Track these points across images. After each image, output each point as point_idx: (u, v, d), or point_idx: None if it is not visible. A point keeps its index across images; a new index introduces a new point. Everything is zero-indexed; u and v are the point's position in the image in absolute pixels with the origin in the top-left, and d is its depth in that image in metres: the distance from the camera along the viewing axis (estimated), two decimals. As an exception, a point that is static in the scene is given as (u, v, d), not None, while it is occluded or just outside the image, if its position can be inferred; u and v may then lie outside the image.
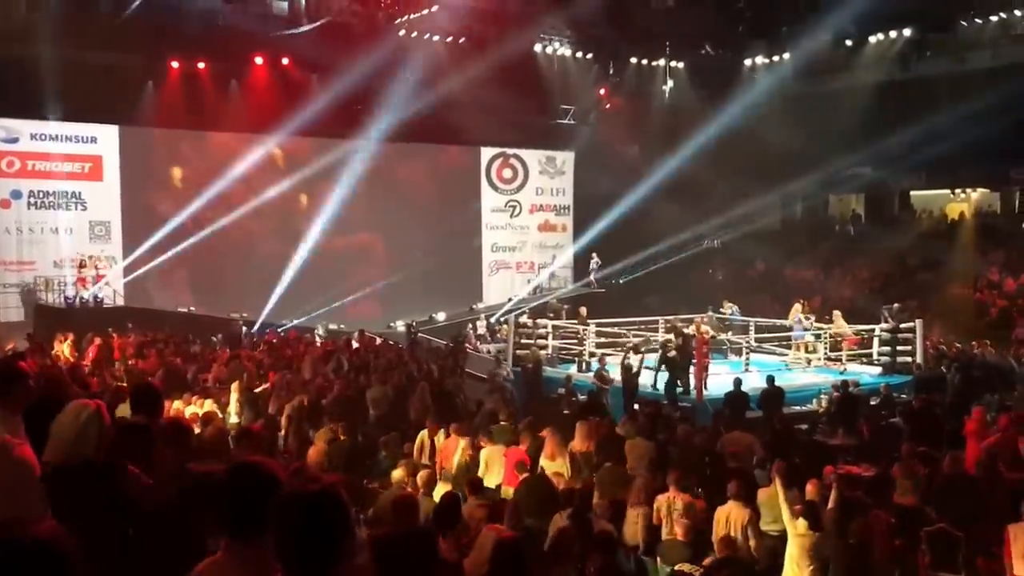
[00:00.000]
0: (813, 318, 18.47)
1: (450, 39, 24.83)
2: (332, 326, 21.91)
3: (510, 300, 25.69)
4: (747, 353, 17.63)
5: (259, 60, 23.84)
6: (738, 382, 13.25)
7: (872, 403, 13.37)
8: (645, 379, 14.71)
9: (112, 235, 23.09)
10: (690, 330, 15.88)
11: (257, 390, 12.96)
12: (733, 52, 28.68)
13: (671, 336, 15.80)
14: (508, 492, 8.04)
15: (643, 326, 18.52)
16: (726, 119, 25.76)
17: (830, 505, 7.37)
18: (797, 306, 18.47)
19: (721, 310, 20.18)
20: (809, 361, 17.84)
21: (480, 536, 5.56)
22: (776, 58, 28.42)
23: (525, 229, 29.04)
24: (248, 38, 22.49)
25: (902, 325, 16.96)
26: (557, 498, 7.02)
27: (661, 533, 7.45)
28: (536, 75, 27.17)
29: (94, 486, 3.06)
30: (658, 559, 7.30)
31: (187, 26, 21.48)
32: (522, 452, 8.94)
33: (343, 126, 23.28)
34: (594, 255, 26.38)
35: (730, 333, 19.11)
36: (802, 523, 6.82)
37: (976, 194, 27.97)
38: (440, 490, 7.53)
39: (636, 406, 12.48)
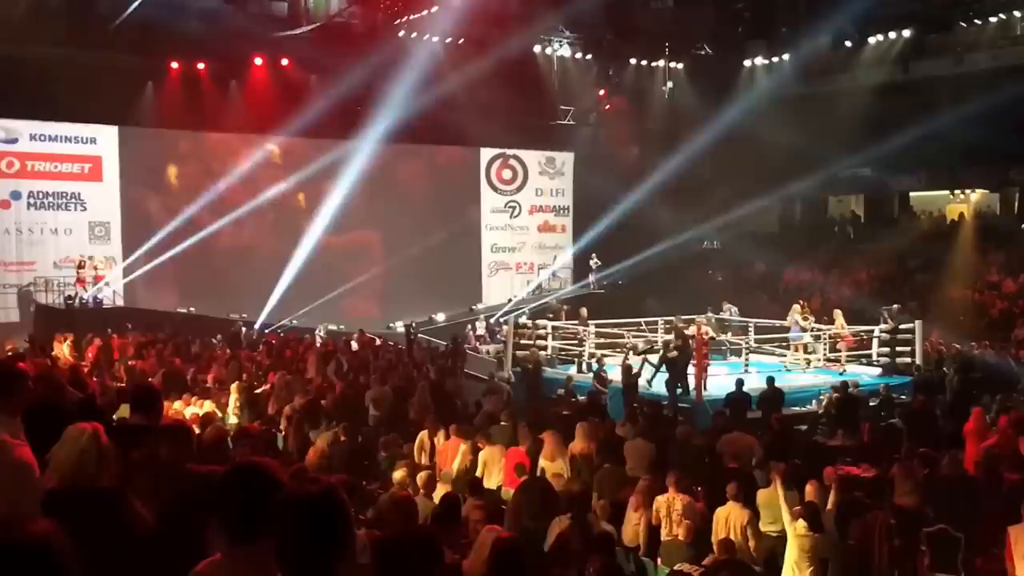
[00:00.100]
0: (812, 319, 18.45)
1: (449, 40, 24.82)
2: (332, 327, 21.91)
3: (510, 301, 25.70)
4: (746, 354, 17.63)
5: (259, 61, 23.83)
6: (740, 383, 13.24)
7: (871, 404, 13.37)
8: (645, 380, 14.70)
9: (112, 236, 23.10)
10: (690, 331, 15.87)
11: (258, 391, 12.97)
12: (733, 53, 28.66)
13: (671, 337, 15.78)
14: (508, 493, 8.03)
15: (643, 327, 18.52)
16: (725, 120, 25.76)
17: (829, 506, 7.38)
18: (796, 307, 18.45)
19: (721, 312, 20.16)
20: (808, 362, 17.84)
21: (479, 537, 5.56)
22: (775, 59, 28.41)
23: (525, 230, 29.03)
24: (248, 39, 22.46)
25: (901, 326, 16.95)
26: (557, 501, 7.01)
27: (660, 534, 7.45)
28: (536, 76, 27.16)
29: (93, 514, 3.06)
30: (659, 560, 7.30)
31: (187, 27, 21.46)
32: (522, 453, 8.94)
33: (342, 127, 23.26)
34: (594, 256, 26.39)
35: (729, 334, 19.11)
36: (802, 524, 6.83)
37: (975, 195, 27.97)
38: (440, 492, 7.52)
39: (636, 407, 12.48)
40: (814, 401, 14.04)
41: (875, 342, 17.46)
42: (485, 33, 23.58)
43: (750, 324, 19.12)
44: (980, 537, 7.11)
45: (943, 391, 14.46)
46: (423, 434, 9.96)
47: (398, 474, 8.00)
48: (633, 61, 28.74)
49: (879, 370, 16.69)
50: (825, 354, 17.79)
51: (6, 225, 21.97)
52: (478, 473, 8.80)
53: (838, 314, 18.17)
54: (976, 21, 25.29)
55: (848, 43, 27.10)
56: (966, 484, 8.07)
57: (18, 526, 1.80)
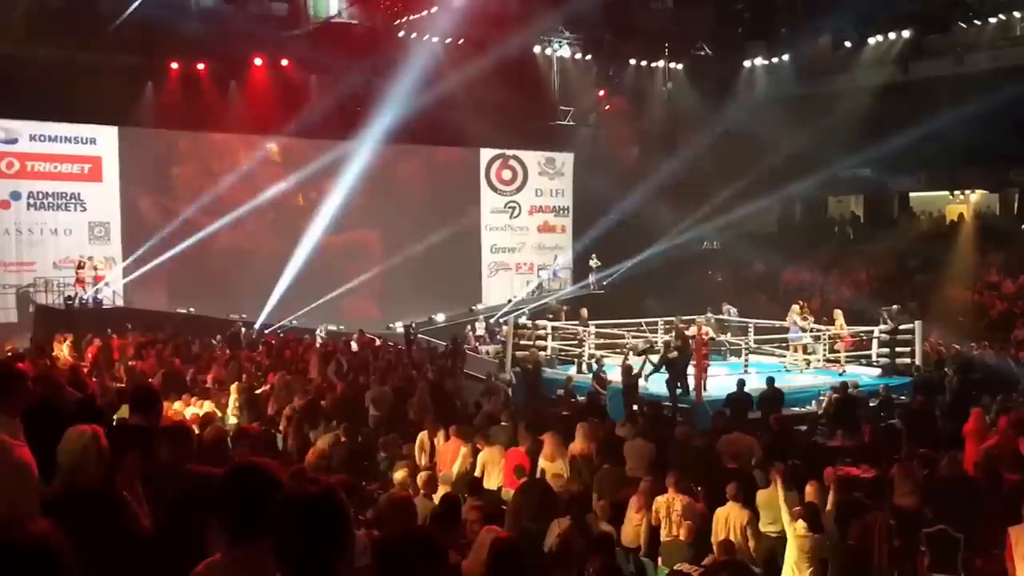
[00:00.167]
0: (812, 319, 18.45)
1: (449, 40, 24.82)
2: (332, 327, 21.92)
3: (510, 301, 25.70)
4: (746, 355, 17.63)
5: (258, 61, 23.82)
6: (741, 383, 13.24)
7: (871, 405, 13.37)
8: (645, 380, 14.70)
9: (111, 236, 23.09)
10: (691, 331, 15.88)
11: (257, 391, 12.96)
12: (732, 54, 28.67)
13: (671, 337, 15.79)
14: (509, 494, 8.03)
15: (643, 327, 18.52)
16: (725, 120, 25.79)
17: (828, 507, 7.38)
18: (795, 307, 18.44)
19: (720, 314, 20.16)
20: (808, 363, 17.84)
21: (478, 537, 5.56)
22: (775, 59, 28.42)
23: (524, 230, 29.03)
24: (248, 39, 22.46)
25: (901, 327, 16.95)
26: (557, 503, 7.01)
27: (660, 534, 7.45)
28: (535, 76, 27.17)
29: (93, 515, 3.06)
30: (659, 560, 7.30)
31: (187, 27, 21.46)
32: (521, 453, 8.94)
33: (342, 127, 23.27)
34: (593, 256, 26.39)
35: (729, 335, 19.11)
36: (801, 524, 6.83)
37: (975, 196, 27.97)
38: (439, 492, 7.52)
39: (635, 407, 12.48)
40: (814, 402, 14.04)
41: (875, 343, 17.46)
42: (485, 33, 23.57)
43: (749, 325, 19.13)
44: (980, 537, 7.11)
45: (942, 392, 14.45)
46: (423, 435, 9.96)
47: (399, 475, 8.01)
48: (633, 61, 28.74)
49: (879, 371, 16.69)
50: (824, 355, 17.80)
51: (6, 225, 21.96)
52: (477, 474, 8.80)
53: (838, 314, 18.17)
54: (976, 22, 25.29)
55: (848, 43, 27.11)
56: (965, 485, 8.07)
57: (18, 526, 1.80)
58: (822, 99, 26.48)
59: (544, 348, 17.82)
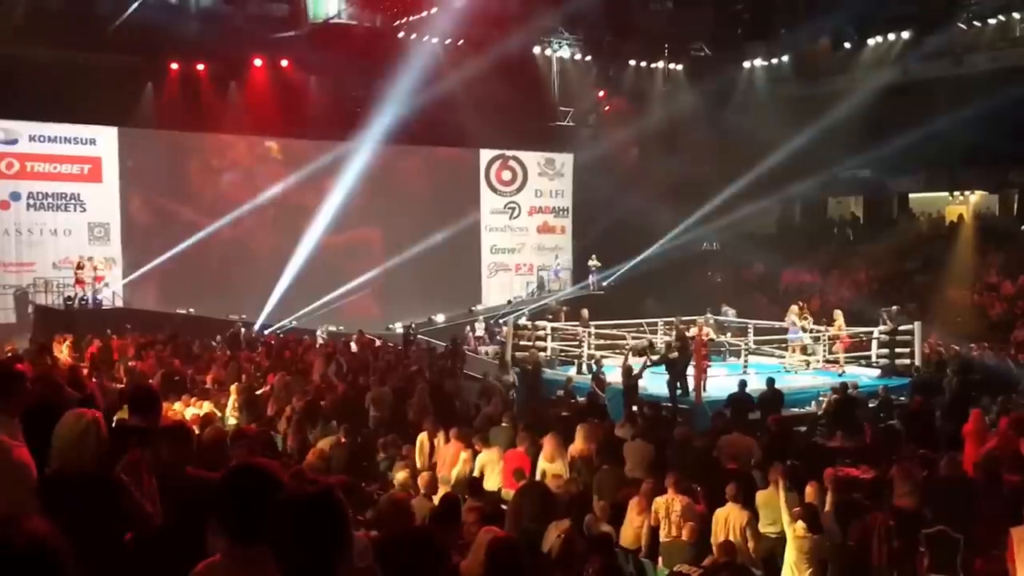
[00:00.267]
0: (811, 320, 18.44)
1: (449, 41, 24.83)
2: (332, 328, 21.93)
3: (509, 302, 25.69)
4: (745, 356, 17.62)
5: (258, 62, 23.83)
6: (743, 384, 13.23)
7: (871, 405, 13.36)
8: (645, 381, 14.69)
9: (111, 236, 23.11)
10: (691, 332, 15.87)
11: (257, 392, 12.96)
12: (732, 54, 28.67)
13: (671, 338, 15.79)
14: (509, 495, 8.03)
15: (643, 328, 18.51)
16: (725, 121, 25.77)
17: (827, 507, 7.37)
18: (794, 308, 18.44)
19: (720, 314, 20.16)
20: (808, 363, 17.83)
21: (477, 538, 5.56)
22: (775, 60, 28.42)
23: (524, 231, 29.03)
24: (247, 40, 22.48)
25: (900, 327, 16.95)
26: (556, 504, 7.01)
27: (659, 535, 7.44)
28: (535, 77, 27.19)
29: (88, 497, 3.05)
30: (660, 561, 7.30)
31: (186, 28, 21.48)
32: (521, 454, 8.94)
33: (342, 128, 23.29)
34: (593, 257, 26.40)
35: (728, 335, 19.10)
36: (801, 525, 6.83)
37: (975, 196, 27.97)
38: (439, 493, 7.52)
39: (635, 408, 12.47)
40: (813, 402, 14.04)
41: (874, 343, 17.45)
42: (485, 34, 23.59)
43: (749, 325, 19.12)
44: (979, 538, 7.11)
45: (941, 392, 14.44)
46: (423, 435, 9.96)
47: (400, 475, 8.01)
48: (632, 62, 28.75)
49: (878, 371, 16.69)
50: (824, 355, 17.80)
51: (5, 226, 21.98)
52: (476, 475, 8.79)
53: (838, 315, 18.16)
54: (975, 23, 25.29)
55: (847, 44, 27.11)
56: (965, 485, 8.06)
57: (15, 525, 1.80)
58: (822, 99, 26.45)
59: (544, 349, 17.82)
